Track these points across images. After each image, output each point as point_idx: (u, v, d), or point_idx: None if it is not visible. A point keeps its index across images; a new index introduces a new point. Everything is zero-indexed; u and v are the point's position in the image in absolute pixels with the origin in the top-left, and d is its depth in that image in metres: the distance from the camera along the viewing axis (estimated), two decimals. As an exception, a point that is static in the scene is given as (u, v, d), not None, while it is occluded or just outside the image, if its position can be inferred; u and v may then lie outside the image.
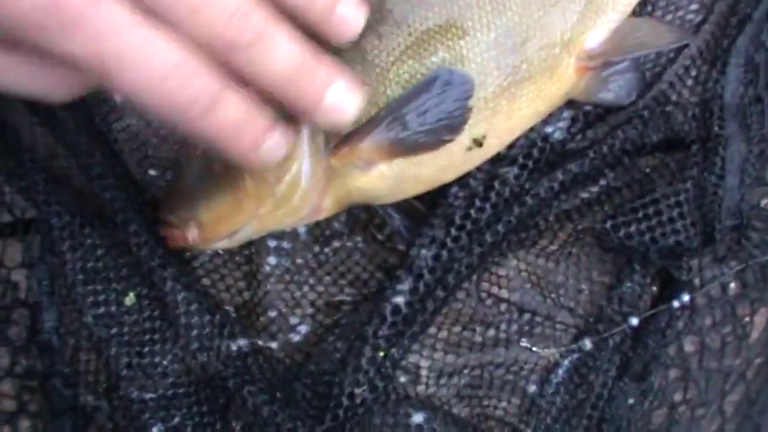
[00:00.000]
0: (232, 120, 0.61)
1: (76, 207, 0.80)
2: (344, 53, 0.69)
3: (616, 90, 0.78)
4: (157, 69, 0.58)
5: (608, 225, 0.78)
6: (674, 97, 0.82)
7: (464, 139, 0.72)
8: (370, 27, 0.70)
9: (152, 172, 0.83)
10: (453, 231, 0.76)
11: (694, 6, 0.83)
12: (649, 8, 0.82)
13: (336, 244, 0.83)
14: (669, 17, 0.84)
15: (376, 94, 0.71)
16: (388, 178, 0.73)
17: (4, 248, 0.82)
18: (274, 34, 0.61)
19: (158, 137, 0.84)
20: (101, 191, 0.78)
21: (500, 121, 0.73)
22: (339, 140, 0.71)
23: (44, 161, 0.81)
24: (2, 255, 0.82)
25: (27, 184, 0.80)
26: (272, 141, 0.64)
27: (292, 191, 0.72)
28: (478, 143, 0.73)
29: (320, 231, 0.83)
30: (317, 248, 0.83)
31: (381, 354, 0.75)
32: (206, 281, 0.82)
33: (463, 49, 0.71)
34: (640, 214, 0.78)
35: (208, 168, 0.73)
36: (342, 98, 0.64)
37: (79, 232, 0.79)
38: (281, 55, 0.61)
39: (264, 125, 0.64)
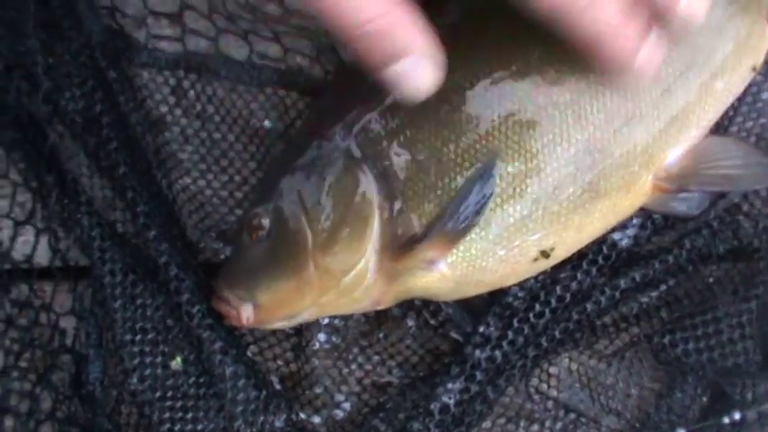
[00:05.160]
0: (613, 17, 0.60)
1: (130, 263, 0.79)
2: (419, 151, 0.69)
3: (688, 201, 0.75)
4: None
5: (666, 340, 0.77)
6: (745, 207, 0.80)
7: (532, 250, 0.71)
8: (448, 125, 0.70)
9: (209, 235, 0.82)
10: (510, 335, 0.75)
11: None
12: (731, 113, 0.80)
13: (389, 326, 0.82)
14: (750, 124, 0.81)
15: (447, 196, 0.70)
16: (449, 281, 0.71)
17: (54, 293, 0.81)
18: None
19: (218, 198, 0.83)
20: (156, 250, 0.77)
21: (570, 235, 0.71)
22: (402, 243, 0.70)
23: (101, 213, 0.80)
24: (51, 300, 0.81)
25: (82, 234, 0.80)
26: (649, 48, 0.63)
27: (356, 285, 0.71)
28: (546, 255, 0.71)
29: (373, 312, 0.81)
30: (368, 328, 0.82)
31: (425, 451, 0.75)
32: (254, 348, 0.82)
33: (540, 162, 0.69)
34: (700, 332, 0.76)
35: (272, 250, 0.72)
36: None
37: (131, 290, 0.79)
38: None
39: (642, 26, 0.62)
